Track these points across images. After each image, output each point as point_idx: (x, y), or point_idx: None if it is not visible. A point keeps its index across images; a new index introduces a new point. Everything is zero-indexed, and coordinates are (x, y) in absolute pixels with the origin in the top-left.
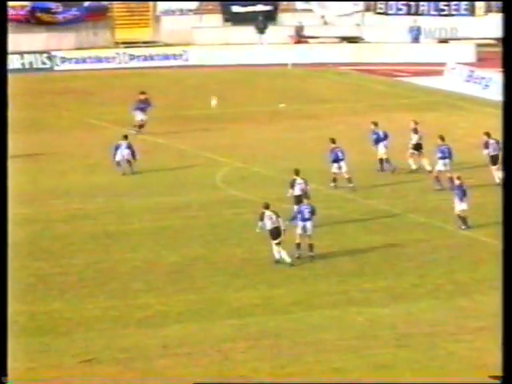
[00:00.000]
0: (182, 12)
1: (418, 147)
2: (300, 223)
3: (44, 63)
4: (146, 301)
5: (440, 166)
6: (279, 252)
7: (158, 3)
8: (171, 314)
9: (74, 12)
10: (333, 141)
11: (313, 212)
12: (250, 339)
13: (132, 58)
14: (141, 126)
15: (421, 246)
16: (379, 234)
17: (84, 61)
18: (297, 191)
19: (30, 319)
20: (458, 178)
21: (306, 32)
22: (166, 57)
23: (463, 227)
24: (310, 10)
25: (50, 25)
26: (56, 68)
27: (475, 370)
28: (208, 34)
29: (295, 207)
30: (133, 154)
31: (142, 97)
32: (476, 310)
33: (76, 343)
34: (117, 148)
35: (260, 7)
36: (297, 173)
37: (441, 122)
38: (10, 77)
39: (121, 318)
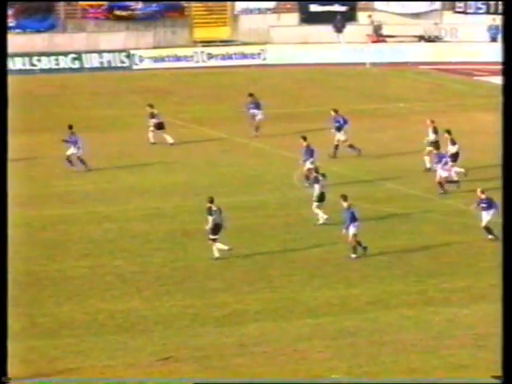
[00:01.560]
0: (259, 11)
1: (437, 146)
2: (355, 223)
3: (123, 62)
4: (223, 299)
5: (442, 172)
6: (217, 247)
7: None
8: (248, 312)
9: (153, 8)
10: (304, 138)
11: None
12: (326, 338)
13: (210, 56)
14: (257, 128)
15: (499, 246)
16: (457, 233)
17: (162, 59)
18: (320, 188)
19: (108, 317)
20: (483, 191)
21: (385, 31)
22: (244, 56)
23: (490, 237)
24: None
25: (128, 20)
26: (134, 67)
27: None
28: (286, 32)
29: (345, 208)
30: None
31: (250, 99)
32: None
33: (153, 341)
34: (75, 142)
35: (338, 6)
36: (316, 170)
37: None
38: (90, 75)
39: (198, 317)
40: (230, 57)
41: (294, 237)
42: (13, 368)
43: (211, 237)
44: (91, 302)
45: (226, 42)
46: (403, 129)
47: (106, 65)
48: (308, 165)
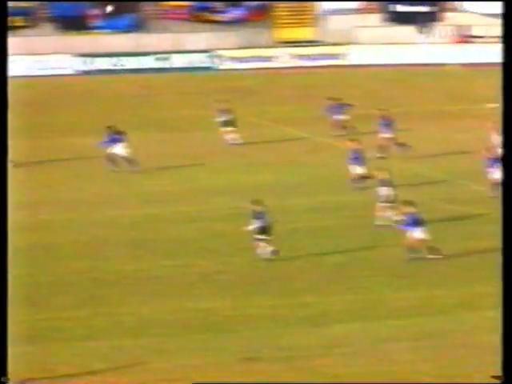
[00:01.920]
0: (343, 11)
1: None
2: (419, 228)
3: (207, 62)
4: (307, 300)
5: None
6: (265, 247)
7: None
8: (332, 313)
9: (239, 11)
10: (352, 140)
11: None
12: (410, 340)
13: (294, 57)
14: (344, 127)
15: None
16: None
17: (246, 60)
18: (388, 191)
19: (192, 317)
20: None
21: (470, 31)
22: (328, 56)
23: None
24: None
25: (211, 23)
26: (219, 67)
27: None
28: (370, 33)
29: (410, 211)
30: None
31: (331, 102)
32: None
33: (237, 341)
34: (116, 140)
35: (423, 7)
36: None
37: None
38: (175, 75)
39: (282, 317)
40: (313, 57)
41: (377, 237)
42: (96, 365)
43: (259, 237)
44: (175, 302)
45: (309, 43)
46: (488, 130)
47: (190, 65)
48: (356, 168)
